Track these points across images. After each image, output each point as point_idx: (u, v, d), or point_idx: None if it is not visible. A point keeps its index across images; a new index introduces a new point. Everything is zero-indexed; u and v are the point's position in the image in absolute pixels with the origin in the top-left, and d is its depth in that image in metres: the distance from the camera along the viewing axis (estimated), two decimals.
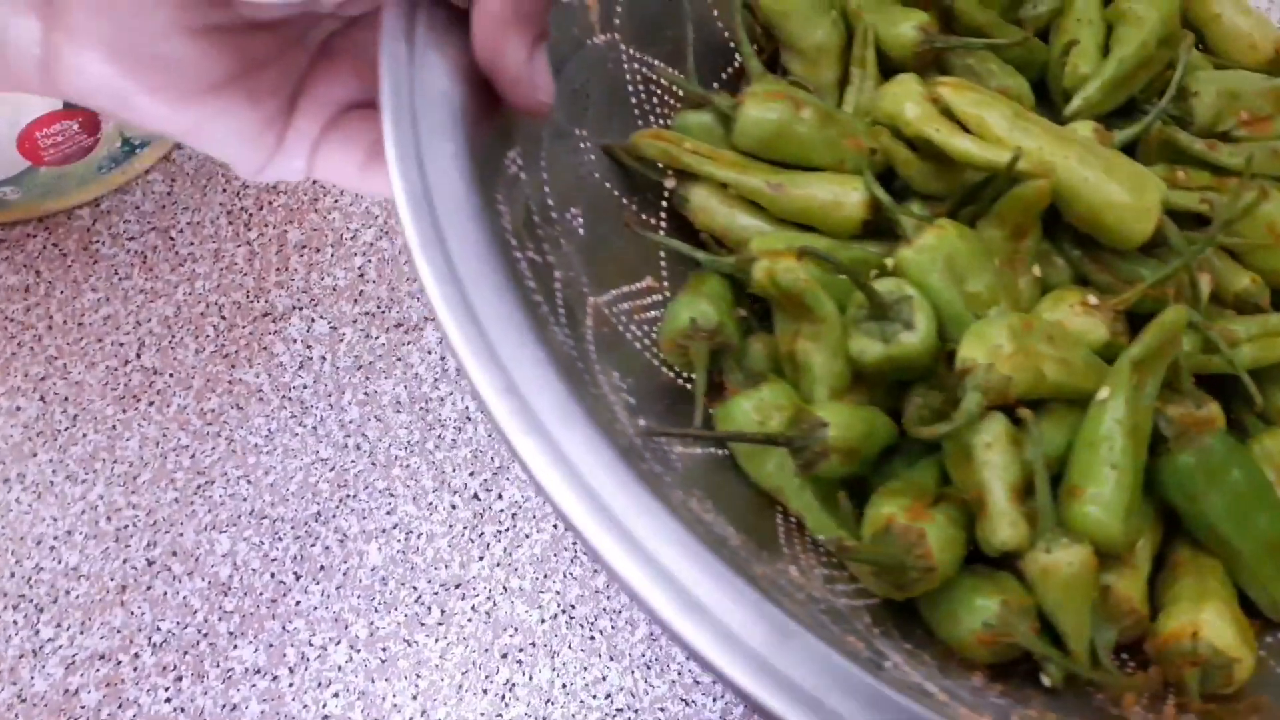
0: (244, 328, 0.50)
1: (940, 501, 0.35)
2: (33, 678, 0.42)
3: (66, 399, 0.48)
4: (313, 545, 0.45)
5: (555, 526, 0.45)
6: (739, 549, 0.32)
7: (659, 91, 0.45)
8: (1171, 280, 0.39)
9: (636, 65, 0.44)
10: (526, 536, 0.45)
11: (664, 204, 0.43)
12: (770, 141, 0.41)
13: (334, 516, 0.46)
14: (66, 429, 0.47)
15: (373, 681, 0.43)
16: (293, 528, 0.46)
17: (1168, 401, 0.37)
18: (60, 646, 0.43)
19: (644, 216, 0.43)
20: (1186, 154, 0.42)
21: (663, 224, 0.43)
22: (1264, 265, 0.41)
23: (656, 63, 0.44)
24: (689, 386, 0.40)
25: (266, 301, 0.51)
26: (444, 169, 0.30)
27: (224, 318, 0.50)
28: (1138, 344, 0.36)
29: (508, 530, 0.45)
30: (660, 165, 0.42)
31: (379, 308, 0.50)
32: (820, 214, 0.40)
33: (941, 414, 0.36)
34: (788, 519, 0.37)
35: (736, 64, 0.47)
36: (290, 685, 0.43)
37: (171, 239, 0.52)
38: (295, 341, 0.50)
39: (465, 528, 0.45)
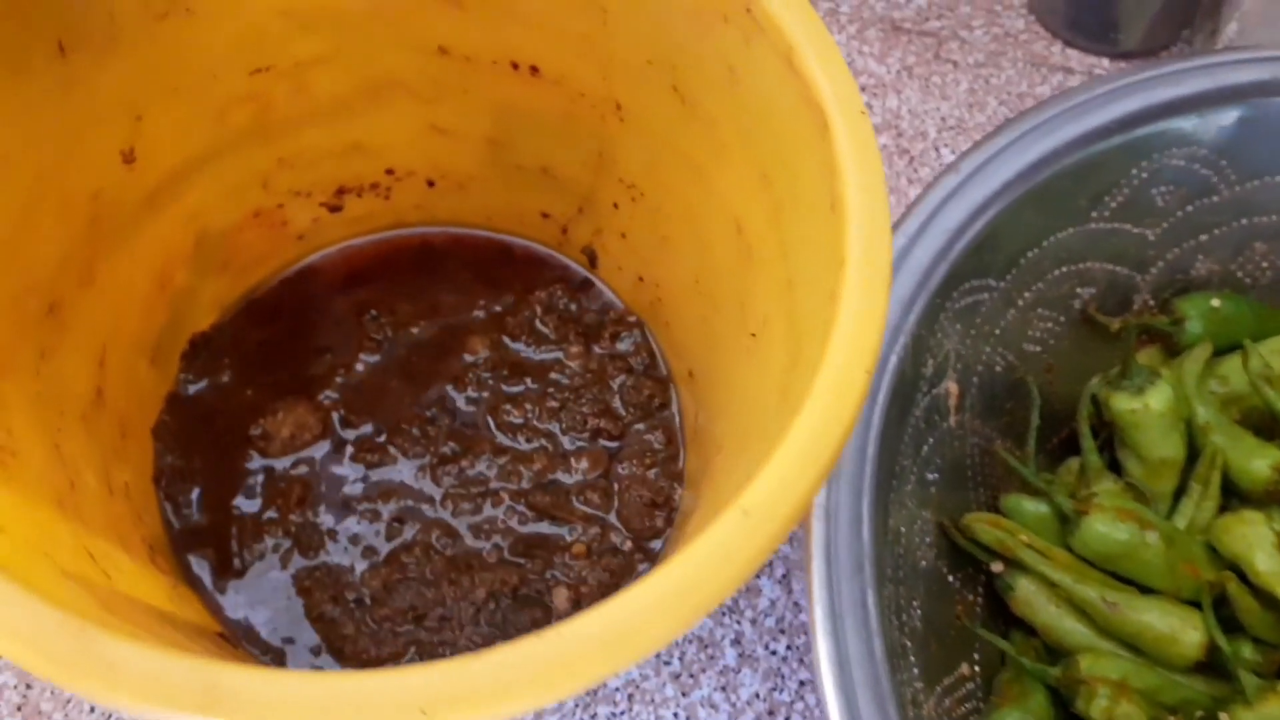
0: None
1: None
2: None
3: None
4: None
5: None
6: None
7: (989, 463, 0.45)
8: None
9: (975, 439, 0.45)
10: None
11: (981, 585, 0.44)
12: (1111, 558, 0.41)
13: None
14: None
15: None
16: None
17: None
18: None
19: (966, 595, 0.43)
20: None
21: (978, 604, 0.44)
22: None
23: (995, 438, 0.45)
24: None
25: None
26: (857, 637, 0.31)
27: None
28: None
29: None
30: (989, 549, 0.43)
31: None
32: (1153, 643, 0.40)
33: None
34: None
35: (1062, 435, 0.48)
36: None
37: None
38: None
39: None
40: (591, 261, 0.51)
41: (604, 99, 0.42)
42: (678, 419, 0.48)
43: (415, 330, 0.49)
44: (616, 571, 0.45)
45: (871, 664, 0.31)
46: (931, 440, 0.42)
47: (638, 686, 0.46)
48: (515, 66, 0.42)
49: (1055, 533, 0.43)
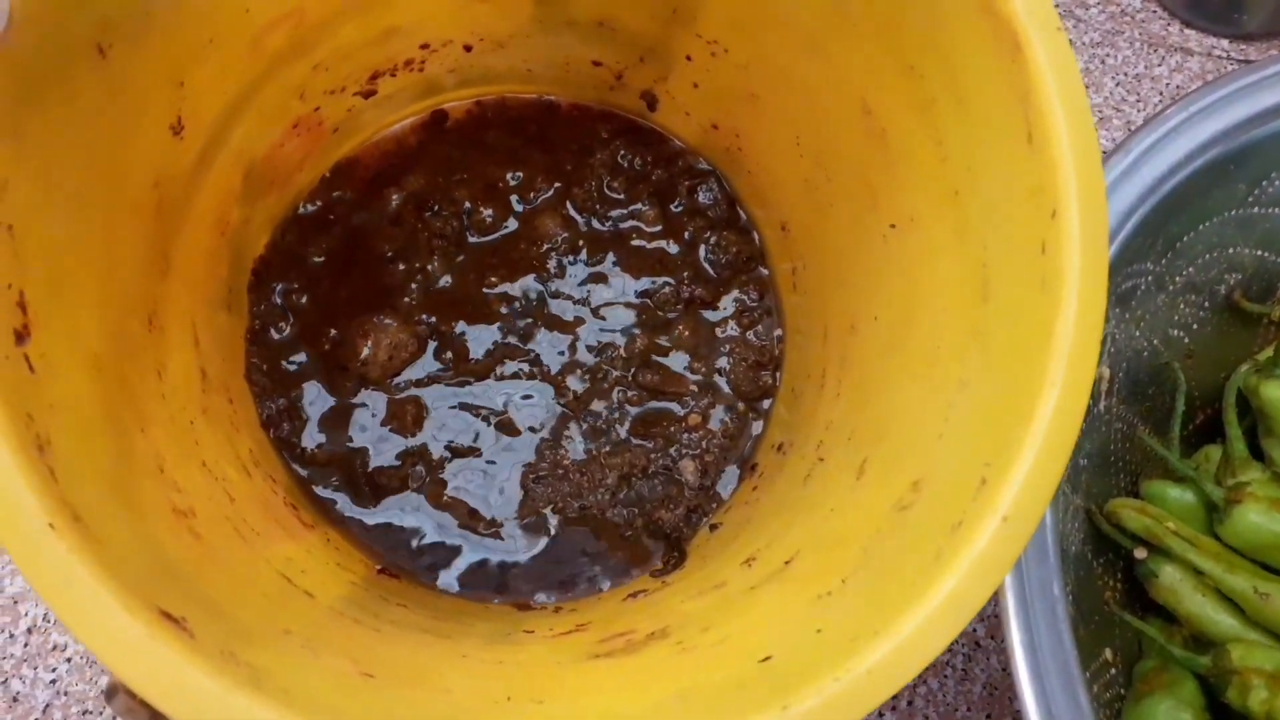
0: None
1: None
2: None
3: None
4: None
5: None
6: None
7: (1130, 448, 0.45)
8: None
9: (1119, 424, 0.44)
10: None
11: (1119, 571, 0.43)
12: (1263, 548, 0.41)
13: None
14: None
15: None
16: None
17: None
18: None
19: (1107, 581, 0.43)
20: None
21: (1117, 591, 0.43)
22: None
23: (1137, 423, 0.45)
24: None
25: None
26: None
27: None
28: None
29: None
30: (1134, 535, 0.42)
31: None
32: None
33: None
34: None
35: (1198, 421, 0.47)
36: None
37: None
38: None
39: None
40: (650, 106, 0.49)
41: None
42: (769, 273, 0.48)
43: (481, 220, 0.47)
44: (734, 435, 0.45)
45: (1061, 651, 0.31)
46: (1083, 425, 0.41)
47: None
48: None
49: (1199, 520, 0.43)
